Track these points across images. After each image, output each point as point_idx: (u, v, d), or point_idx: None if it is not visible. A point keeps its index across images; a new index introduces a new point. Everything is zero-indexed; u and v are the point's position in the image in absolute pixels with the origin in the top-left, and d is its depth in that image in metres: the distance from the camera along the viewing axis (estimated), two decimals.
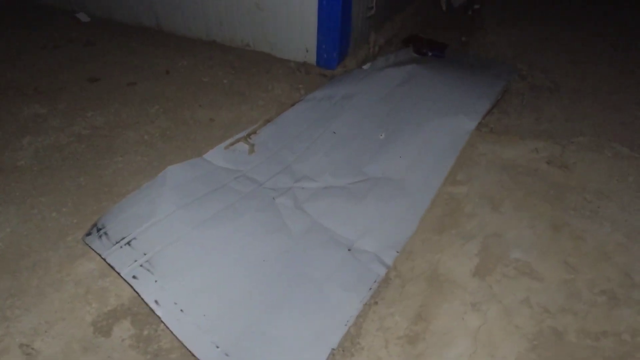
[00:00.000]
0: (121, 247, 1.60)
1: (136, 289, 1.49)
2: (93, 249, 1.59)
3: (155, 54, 3.22)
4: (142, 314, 1.51)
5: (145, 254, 1.60)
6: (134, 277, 1.52)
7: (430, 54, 3.95)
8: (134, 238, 1.64)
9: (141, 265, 1.56)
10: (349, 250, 1.90)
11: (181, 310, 1.51)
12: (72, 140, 2.27)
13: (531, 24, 4.44)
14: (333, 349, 1.48)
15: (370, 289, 1.73)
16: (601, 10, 4.94)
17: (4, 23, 3.57)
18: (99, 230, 1.67)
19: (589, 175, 2.19)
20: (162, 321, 1.47)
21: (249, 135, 2.38)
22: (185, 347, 1.40)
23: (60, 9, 3.82)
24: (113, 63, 3.09)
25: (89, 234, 1.67)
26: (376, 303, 1.67)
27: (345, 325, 1.60)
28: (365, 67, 3.20)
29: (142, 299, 1.48)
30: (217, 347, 1.43)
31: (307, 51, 3.07)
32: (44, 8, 3.86)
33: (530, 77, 3.21)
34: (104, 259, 1.55)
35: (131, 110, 2.57)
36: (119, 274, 1.52)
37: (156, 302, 1.48)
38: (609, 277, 1.64)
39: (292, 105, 2.70)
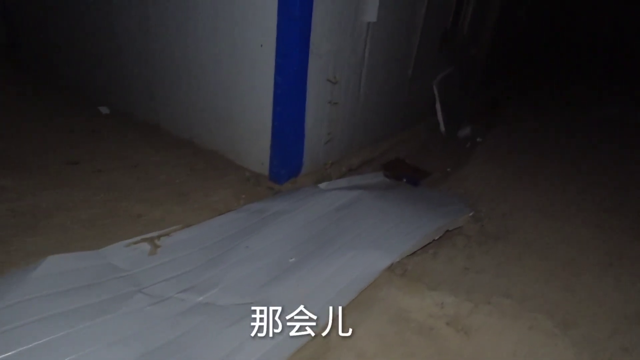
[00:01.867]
0: None
1: None
2: None
3: (137, 147, 3.60)
4: None
5: None
6: None
7: (404, 180, 3.99)
8: None
9: None
10: None
11: None
12: (6, 214, 2.51)
13: (520, 161, 4.39)
14: None
15: None
16: (607, 150, 4.79)
17: (35, 108, 4.28)
18: None
19: (489, 346, 1.90)
20: None
21: (159, 236, 2.47)
22: None
23: (89, 101, 4.54)
24: (99, 151, 3.49)
25: None
26: None
27: None
28: (321, 185, 3.29)
29: None
30: None
31: (262, 164, 3.26)
32: (76, 100, 4.60)
33: (487, 219, 3.06)
34: None
35: (78, 195, 2.82)
36: None
37: None
38: None
39: (223, 213, 2.80)
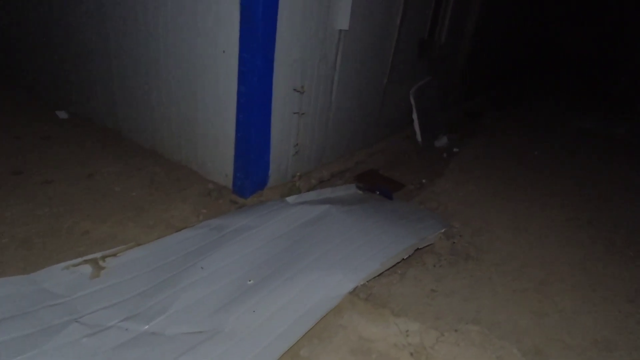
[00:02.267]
0: None
1: None
2: None
3: (93, 156, 3.37)
4: None
5: None
6: None
7: (377, 192, 3.86)
8: None
9: None
10: None
11: None
12: None
13: (496, 173, 4.33)
14: None
15: None
16: (583, 163, 4.81)
17: None
18: None
19: None
20: None
21: (104, 256, 2.26)
22: None
23: (47, 104, 4.26)
24: (48, 158, 3.24)
25: None
26: None
27: None
28: (289, 199, 3.12)
29: None
30: None
31: (226, 175, 3.08)
32: (32, 103, 4.32)
33: (458, 237, 2.95)
34: None
35: (20, 209, 2.58)
36: None
37: None
38: None
39: (181, 229, 2.61)
